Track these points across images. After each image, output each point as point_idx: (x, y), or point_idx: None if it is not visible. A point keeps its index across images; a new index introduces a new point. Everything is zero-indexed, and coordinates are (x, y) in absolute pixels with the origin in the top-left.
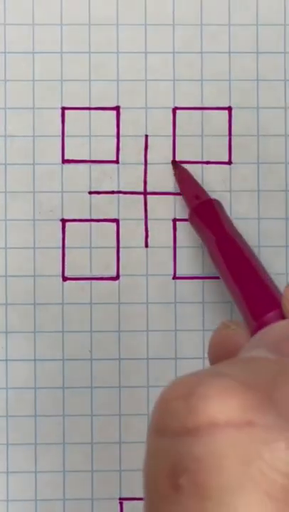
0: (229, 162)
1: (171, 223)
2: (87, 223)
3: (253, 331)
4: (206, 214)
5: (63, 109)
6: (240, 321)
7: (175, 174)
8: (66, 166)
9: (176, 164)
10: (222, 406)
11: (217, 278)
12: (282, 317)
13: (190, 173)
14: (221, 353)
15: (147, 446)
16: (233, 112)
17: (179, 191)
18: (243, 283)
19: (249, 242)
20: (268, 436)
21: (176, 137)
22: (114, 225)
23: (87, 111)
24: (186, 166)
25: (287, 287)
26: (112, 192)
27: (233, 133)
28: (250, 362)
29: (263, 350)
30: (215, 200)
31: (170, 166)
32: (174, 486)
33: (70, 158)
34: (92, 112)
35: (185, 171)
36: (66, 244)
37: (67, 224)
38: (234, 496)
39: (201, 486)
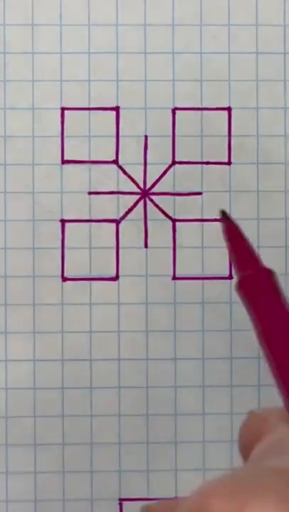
0: (229, 162)
1: (170, 224)
2: (87, 224)
3: None
4: (258, 288)
5: (63, 109)
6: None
7: (224, 229)
8: (66, 166)
9: (225, 217)
10: None
11: (216, 278)
12: None
13: (242, 231)
14: (252, 441)
15: None
16: (233, 112)
17: (178, 192)
18: None
19: None
20: None
21: (176, 137)
22: (113, 225)
23: (87, 111)
24: (185, 166)
25: None
26: (112, 192)
27: (232, 133)
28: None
29: None
30: (270, 270)
31: (169, 166)
32: None
33: (70, 158)
34: (92, 112)
35: (236, 227)
36: (66, 245)
37: (67, 224)
38: None
39: None
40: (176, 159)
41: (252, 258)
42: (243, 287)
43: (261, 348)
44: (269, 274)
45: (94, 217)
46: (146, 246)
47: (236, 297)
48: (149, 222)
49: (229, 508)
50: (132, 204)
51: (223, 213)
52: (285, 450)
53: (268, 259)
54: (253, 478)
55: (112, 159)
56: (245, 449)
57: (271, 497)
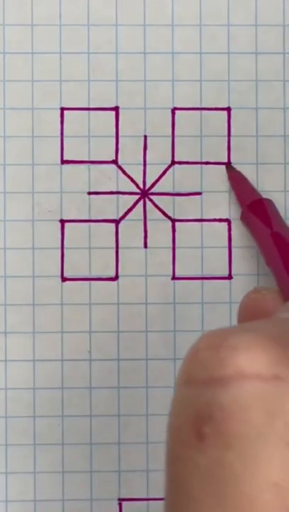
0: (228, 162)
1: (170, 224)
2: (86, 224)
3: None
4: (259, 211)
5: (62, 109)
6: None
7: (229, 176)
8: (65, 166)
9: (230, 167)
10: (251, 358)
11: (216, 278)
12: None
13: (243, 175)
14: (250, 316)
15: (174, 395)
16: (232, 112)
17: (178, 192)
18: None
19: (248, 243)
20: None
21: (175, 138)
22: (113, 225)
23: (86, 111)
24: (185, 166)
25: None
26: (111, 192)
27: (232, 133)
28: (281, 321)
29: None
30: (267, 199)
31: (168, 166)
32: (198, 434)
33: (69, 158)
34: (91, 112)
35: (238, 173)
36: (65, 245)
37: (66, 224)
38: (257, 447)
39: (224, 435)
40: (176, 159)
41: (252, 192)
42: (246, 212)
43: (263, 256)
44: (265, 201)
45: (93, 218)
46: (145, 246)
47: (236, 297)
48: (148, 223)
49: (212, 342)
50: (131, 204)
51: (228, 165)
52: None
53: None
54: (245, 325)
55: (111, 159)
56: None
57: (249, 333)
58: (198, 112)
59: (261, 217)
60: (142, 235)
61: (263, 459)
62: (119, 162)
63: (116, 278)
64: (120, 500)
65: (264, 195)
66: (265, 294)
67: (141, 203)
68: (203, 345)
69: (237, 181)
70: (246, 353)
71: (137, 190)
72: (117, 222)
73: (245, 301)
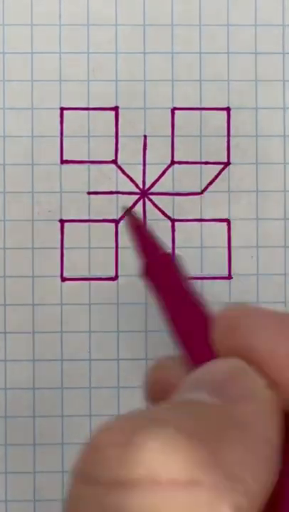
0: (228, 162)
1: (169, 223)
2: (86, 224)
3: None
4: (160, 271)
5: (62, 109)
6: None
7: (128, 224)
8: (65, 166)
9: (128, 213)
10: (165, 461)
11: (216, 278)
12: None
13: (144, 224)
14: (158, 391)
15: (71, 490)
16: (232, 112)
17: (177, 192)
18: (188, 339)
19: (248, 243)
20: (213, 498)
21: (175, 138)
22: (112, 225)
23: (86, 111)
24: (184, 166)
25: (217, 322)
26: (111, 192)
27: (231, 133)
28: (192, 408)
29: (204, 393)
30: (169, 255)
31: (168, 166)
32: None
33: (69, 158)
34: (91, 112)
35: (139, 221)
36: (65, 245)
37: (66, 224)
38: None
39: None
40: (176, 159)
41: (155, 246)
42: (148, 272)
43: (165, 319)
44: (168, 258)
45: (93, 218)
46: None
47: (236, 297)
48: (148, 222)
49: (115, 440)
50: (131, 204)
51: (127, 210)
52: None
53: (267, 259)
54: (149, 413)
55: (111, 159)
56: (152, 399)
57: (159, 430)
58: (197, 111)
59: (162, 277)
60: None
61: None
62: (119, 162)
63: (116, 278)
64: None
65: (264, 195)
66: (170, 368)
67: (140, 202)
68: (108, 440)
69: (137, 230)
70: (158, 454)
71: (137, 190)
72: (116, 222)
73: (151, 375)
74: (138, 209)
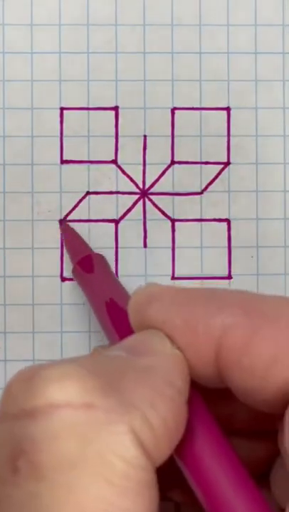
0: (228, 162)
1: (169, 224)
2: (86, 223)
3: None
4: (88, 268)
5: (62, 109)
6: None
7: (62, 231)
8: (65, 166)
9: (63, 223)
10: (61, 388)
11: (216, 278)
12: None
13: (75, 231)
14: None
15: None
16: (232, 112)
17: (177, 192)
18: (111, 326)
19: (248, 243)
20: (108, 419)
21: (175, 137)
22: (112, 225)
23: (86, 111)
24: (184, 166)
25: (129, 301)
26: (111, 192)
27: (231, 133)
28: (100, 357)
29: (118, 351)
30: (97, 254)
31: (168, 166)
32: (13, 468)
33: (69, 158)
34: (91, 112)
35: (71, 229)
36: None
37: (66, 224)
38: (69, 477)
39: (36, 466)
40: (176, 159)
41: (83, 248)
42: (76, 270)
43: (94, 313)
44: (92, 256)
45: (93, 217)
46: (145, 246)
47: None
48: (148, 222)
49: (24, 376)
50: (131, 204)
51: (61, 221)
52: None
53: (267, 259)
54: (57, 361)
55: (111, 159)
56: None
57: (63, 365)
58: (197, 111)
59: (90, 274)
60: (142, 234)
61: (76, 488)
62: (119, 162)
63: None
64: None
65: (264, 195)
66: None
67: (140, 202)
68: (16, 378)
69: (69, 236)
70: (57, 382)
71: (137, 190)
72: (116, 222)
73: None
74: (138, 209)
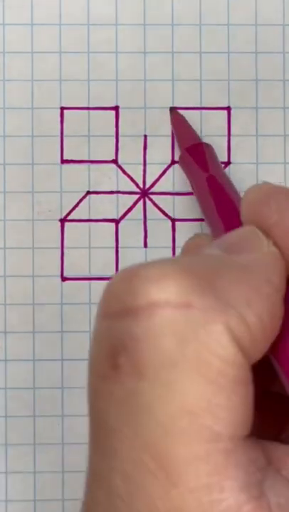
0: (228, 162)
1: (170, 223)
2: (86, 223)
3: None
4: (196, 155)
5: (62, 109)
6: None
7: (171, 119)
8: (65, 166)
9: (173, 110)
10: (161, 287)
11: None
12: None
13: (185, 119)
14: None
15: (93, 330)
16: (232, 112)
17: (178, 191)
18: (222, 216)
19: None
20: (205, 318)
21: (175, 137)
22: (113, 225)
23: (86, 111)
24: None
25: (243, 197)
26: (111, 192)
27: (232, 133)
28: (200, 256)
29: (215, 249)
30: (206, 143)
31: (168, 166)
32: (114, 365)
33: (69, 158)
34: (91, 111)
35: (181, 116)
36: (65, 245)
37: (66, 224)
38: (169, 375)
39: (137, 364)
40: (176, 159)
41: (192, 136)
42: (184, 155)
43: (199, 202)
44: (204, 145)
45: (93, 217)
46: (145, 246)
47: None
48: (148, 222)
49: (125, 275)
50: (131, 204)
51: (172, 108)
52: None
53: None
54: (158, 260)
55: (111, 159)
56: None
57: (165, 264)
58: (198, 111)
59: (198, 161)
60: (142, 234)
61: (176, 387)
62: (119, 162)
63: None
64: None
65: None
66: (204, 239)
67: (141, 202)
68: (117, 278)
69: (179, 124)
70: (156, 282)
71: (137, 190)
72: (116, 221)
73: (186, 245)
74: (138, 209)
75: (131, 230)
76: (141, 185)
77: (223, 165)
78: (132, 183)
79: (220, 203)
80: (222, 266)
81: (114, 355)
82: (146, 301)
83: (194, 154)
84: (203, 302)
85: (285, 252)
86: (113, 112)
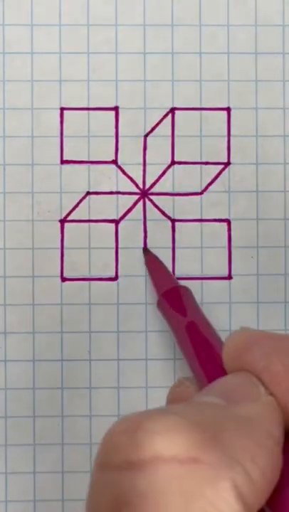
0: (228, 163)
1: (170, 224)
2: (86, 224)
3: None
4: (174, 300)
5: (62, 109)
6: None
7: (145, 260)
8: (65, 166)
9: (146, 251)
10: (167, 441)
11: (216, 278)
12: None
13: (159, 260)
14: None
15: (91, 480)
16: (232, 112)
17: (177, 192)
18: (204, 362)
19: (248, 243)
20: (212, 475)
21: (175, 138)
22: (112, 225)
23: (86, 111)
24: (184, 166)
25: (225, 345)
26: (111, 192)
27: (231, 133)
28: (199, 405)
29: (213, 397)
30: (183, 287)
31: (168, 166)
32: None
33: (69, 158)
34: (91, 112)
35: (155, 257)
36: (65, 245)
37: (66, 224)
38: None
39: None
40: (176, 159)
41: (168, 280)
42: (161, 301)
43: (179, 348)
44: (180, 289)
45: (93, 218)
46: (145, 246)
47: (236, 297)
48: (148, 223)
49: (127, 427)
50: (131, 204)
51: (145, 249)
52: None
53: (267, 259)
54: (161, 408)
55: (111, 159)
56: None
57: (167, 416)
58: (198, 111)
59: (175, 306)
60: (142, 235)
61: None
62: (119, 162)
63: (116, 278)
64: None
65: (264, 195)
66: (188, 386)
67: (141, 202)
68: (120, 428)
69: (153, 266)
70: (162, 435)
71: (137, 190)
72: (116, 222)
73: (171, 395)
74: (138, 209)
75: (131, 230)
76: (141, 186)
77: (223, 165)
78: (131, 184)
79: (201, 350)
80: (224, 418)
81: (117, 510)
82: (152, 455)
83: (171, 299)
84: (211, 457)
85: (279, 397)
86: (113, 113)
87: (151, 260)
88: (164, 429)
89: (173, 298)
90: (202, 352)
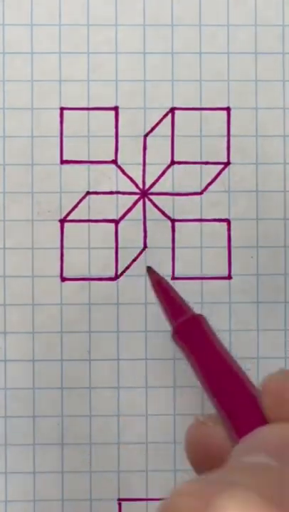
0: (228, 162)
1: (169, 224)
2: (86, 224)
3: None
4: (191, 333)
5: (62, 109)
6: (213, 414)
7: (152, 284)
8: (65, 166)
9: (151, 271)
10: None
11: (216, 278)
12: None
13: (169, 283)
14: (200, 451)
15: None
16: (232, 112)
17: (177, 192)
18: (230, 402)
19: (248, 243)
20: None
21: (175, 137)
22: (112, 225)
23: (86, 111)
24: (184, 166)
25: (264, 389)
26: (111, 192)
27: (231, 133)
28: (257, 470)
29: (264, 456)
30: (200, 316)
31: (168, 166)
32: None
33: (69, 158)
34: (91, 112)
35: (163, 280)
36: (65, 245)
37: (66, 224)
38: None
39: None
40: (176, 159)
41: (183, 307)
42: (178, 334)
43: (202, 386)
44: (198, 319)
45: (93, 218)
46: (145, 246)
47: (236, 297)
48: (148, 222)
49: (194, 504)
50: (131, 204)
51: (149, 269)
52: (256, 449)
53: (267, 259)
54: (221, 477)
55: (111, 159)
56: (195, 459)
57: (238, 492)
58: (197, 111)
59: (198, 340)
60: (142, 234)
61: None
62: (119, 162)
63: (116, 278)
64: (120, 500)
65: (264, 195)
66: (210, 426)
67: (140, 202)
68: (186, 504)
69: (163, 290)
70: None
71: (137, 190)
72: (116, 222)
73: (192, 436)
74: (138, 209)
75: (131, 230)
76: (140, 186)
77: (223, 165)
78: (131, 184)
79: (231, 390)
80: (282, 480)
81: None
82: None
83: (190, 331)
84: None
85: None
86: (113, 112)
87: (157, 281)
88: (239, 507)
89: (192, 330)
90: (232, 391)
